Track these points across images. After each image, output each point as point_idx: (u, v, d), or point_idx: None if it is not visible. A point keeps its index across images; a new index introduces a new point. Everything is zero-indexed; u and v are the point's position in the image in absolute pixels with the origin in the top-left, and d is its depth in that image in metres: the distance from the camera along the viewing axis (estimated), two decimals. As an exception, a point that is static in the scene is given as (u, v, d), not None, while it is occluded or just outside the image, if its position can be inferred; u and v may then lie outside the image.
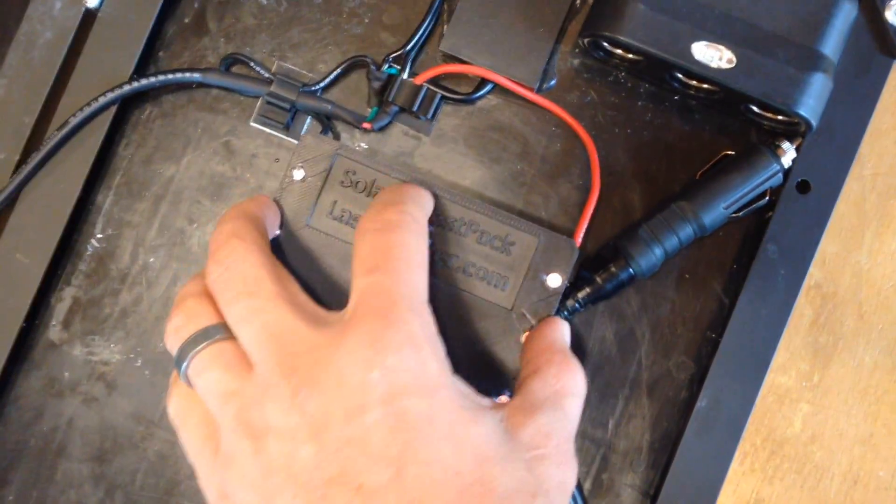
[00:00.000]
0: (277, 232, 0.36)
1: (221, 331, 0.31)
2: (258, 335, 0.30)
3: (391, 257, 0.31)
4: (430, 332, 0.31)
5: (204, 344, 0.31)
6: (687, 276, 0.40)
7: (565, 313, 0.39)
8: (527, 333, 0.36)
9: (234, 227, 0.33)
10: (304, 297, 0.33)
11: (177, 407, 0.33)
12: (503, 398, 0.36)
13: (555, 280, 0.37)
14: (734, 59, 0.36)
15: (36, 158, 0.39)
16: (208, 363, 0.31)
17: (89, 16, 0.40)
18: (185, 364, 0.31)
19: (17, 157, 0.40)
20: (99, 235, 0.41)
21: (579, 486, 0.40)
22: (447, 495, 0.28)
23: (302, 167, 0.37)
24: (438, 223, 0.37)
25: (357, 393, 0.29)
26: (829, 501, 0.41)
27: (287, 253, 0.37)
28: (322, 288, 0.37)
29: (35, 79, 0.40)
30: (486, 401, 0.32)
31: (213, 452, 0.30)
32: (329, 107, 0.40)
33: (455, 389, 0.30)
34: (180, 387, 0.33)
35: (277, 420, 0.29)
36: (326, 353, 0.30)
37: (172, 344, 0.32)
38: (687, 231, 0.38)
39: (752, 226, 0.40)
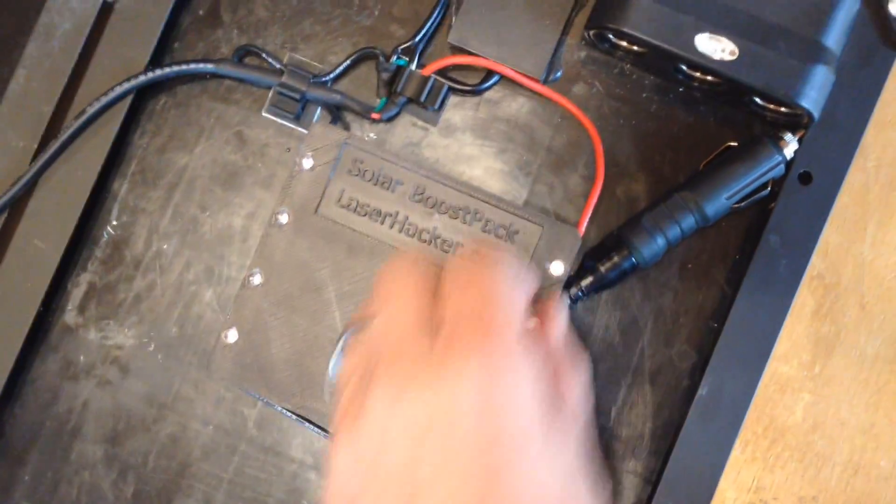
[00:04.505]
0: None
1: None
2: None
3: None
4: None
5: None
6: (689, 265, 0.41)
7: (568, 301, 0.39)
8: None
9: None
10: None
11: None
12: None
13: (558, 268, 0.37)
14: (737, 51, 0.37)
15: (54, 147, 0.40)
16: None
17: (106, 8, 0.41)
18: None
19: (35, 146, 0.41)
20: (114, 222, 0.42)
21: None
22: None
23: (311, 156, 0.38)
24: (444, 212, 0.38)
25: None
26: (830, 490, 0.41)
27: (297, 239, 0.38)
28: (328, 274, 0.37)
29: (53, 69, 0.41)
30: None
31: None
32: (339, 97, 0.41)
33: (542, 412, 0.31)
34: None
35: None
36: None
37: None
38: (689, 221, 0.39)
39: (755, 216, 0.41)
